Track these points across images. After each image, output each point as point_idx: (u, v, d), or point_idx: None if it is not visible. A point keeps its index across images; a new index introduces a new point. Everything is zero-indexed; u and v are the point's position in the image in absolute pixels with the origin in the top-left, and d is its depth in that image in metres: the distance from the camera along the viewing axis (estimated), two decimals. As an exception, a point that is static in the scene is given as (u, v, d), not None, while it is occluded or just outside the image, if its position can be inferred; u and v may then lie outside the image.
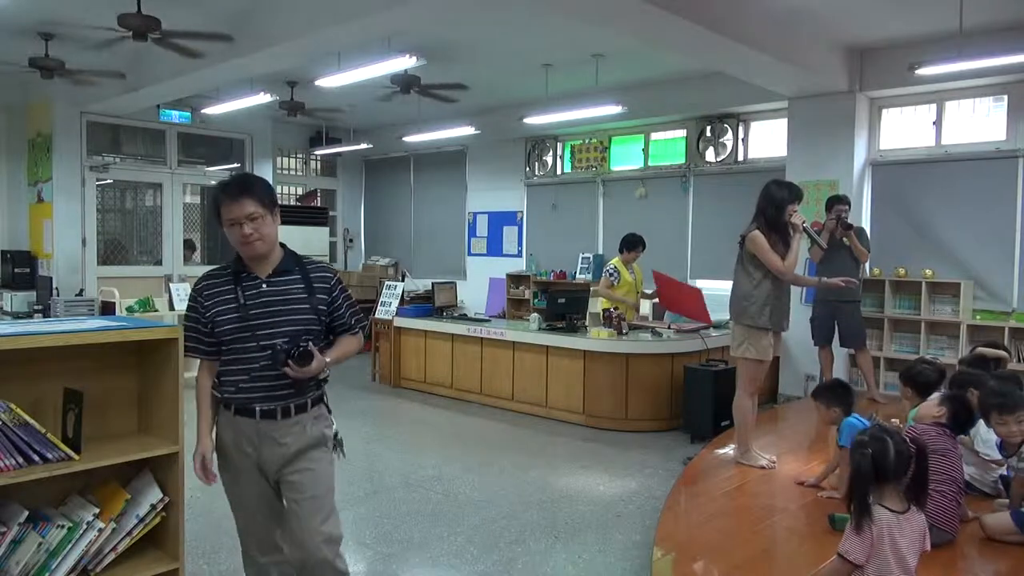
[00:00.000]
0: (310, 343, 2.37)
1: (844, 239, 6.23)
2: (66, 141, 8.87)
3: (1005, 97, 6.55)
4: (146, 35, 5.51)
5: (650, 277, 7.11)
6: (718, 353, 6.34)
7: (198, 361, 2.51)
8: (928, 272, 6.73)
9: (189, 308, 2.48)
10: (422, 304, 8.28)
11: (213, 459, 2.49)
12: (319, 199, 12.26)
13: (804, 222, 4.42)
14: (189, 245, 10.24)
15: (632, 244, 6.71)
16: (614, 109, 7.60)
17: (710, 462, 4.76)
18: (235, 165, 10.72)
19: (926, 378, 4.03)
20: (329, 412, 2.58)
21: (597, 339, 6.40)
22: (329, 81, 7.12)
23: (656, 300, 7.13)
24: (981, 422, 3.54)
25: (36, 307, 7.87)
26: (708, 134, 8.45)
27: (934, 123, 6.95)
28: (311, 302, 2.44)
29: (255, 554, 2.57)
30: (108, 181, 9.59)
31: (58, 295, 7.96)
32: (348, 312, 2.56)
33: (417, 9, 5.09)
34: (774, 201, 4.39)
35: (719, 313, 6.39)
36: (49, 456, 2.19)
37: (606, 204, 9.47)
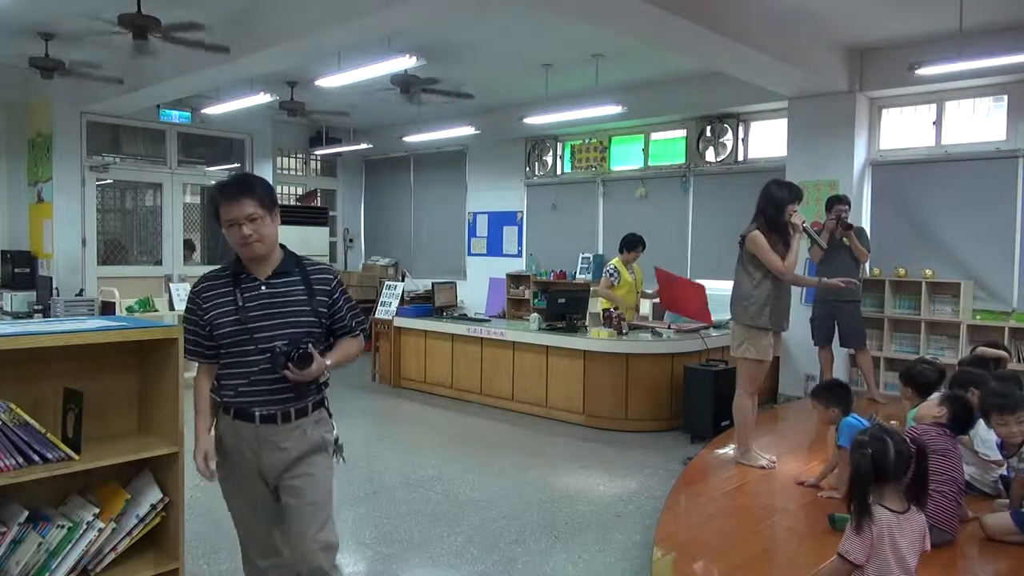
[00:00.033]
0: (310, 345, 2.33)
1: (844, 239, 6.23)
2: (66, 141, 8.87)
3: (1005, 97, 6.55)
4: (146, 35, 5.50)
5: (650, 277, 7.11)
6: (718, 353, 6.34)
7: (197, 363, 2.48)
8: (928, 272, 6.73)
9: (187, 311, 2.45)
10: (422, 304, 8.29)
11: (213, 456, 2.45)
12: (319, 199, 12.26)
13: (804, 222, 4.42)
14: (188, 245, 10.24)
15: (632, 244, 6.71)
16: (614, 109, 7.60)
17: (710, 462, 4.76)
18: (235, 165, 10.72)
19: (926, 378, 4.04)
20: (330, 416, 2.54)
21: (597, 339, 6.40)
22: (329, 81, 7.12)
23: (656, 300, 7.13)
24: (981, 422, 3.54)
25: (36, 307, 7.87)
26: (708, 134, 8.45)
27: (934, 123, 6.95)
28: (311, 304, 2.40)
29: (255, 557, 2.54)
30: (108, 181, 9.59)
31: (58, 295, 7.97)
32: (349, 314, 2.52)
33: (417, 9, 5.09)
34: (774, 201, 4.39)
35: (720, 313, 6.39)
36: (49, 456, 2.19)
37: (606, 204, 9.47)
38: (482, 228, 10.87)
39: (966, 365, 4.65)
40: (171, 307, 7.71)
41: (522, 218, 10.36)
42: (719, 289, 6.64)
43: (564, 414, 6.52)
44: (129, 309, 7.49)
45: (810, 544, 3.41)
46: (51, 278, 8.44)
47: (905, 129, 7.13)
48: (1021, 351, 6.24)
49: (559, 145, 9.99)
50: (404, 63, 6.30)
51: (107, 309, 7.59)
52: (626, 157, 9.36)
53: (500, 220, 10.62)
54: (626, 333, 6.43)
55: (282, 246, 2.48)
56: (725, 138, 8.34)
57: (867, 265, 6.73)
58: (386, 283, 8.75)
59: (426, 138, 9.87)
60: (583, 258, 9.41)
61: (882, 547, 2.33)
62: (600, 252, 9.36)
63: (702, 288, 6.52)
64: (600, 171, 9.44)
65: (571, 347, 6.47)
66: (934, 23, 5.98)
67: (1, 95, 8.81)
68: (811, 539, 3.47)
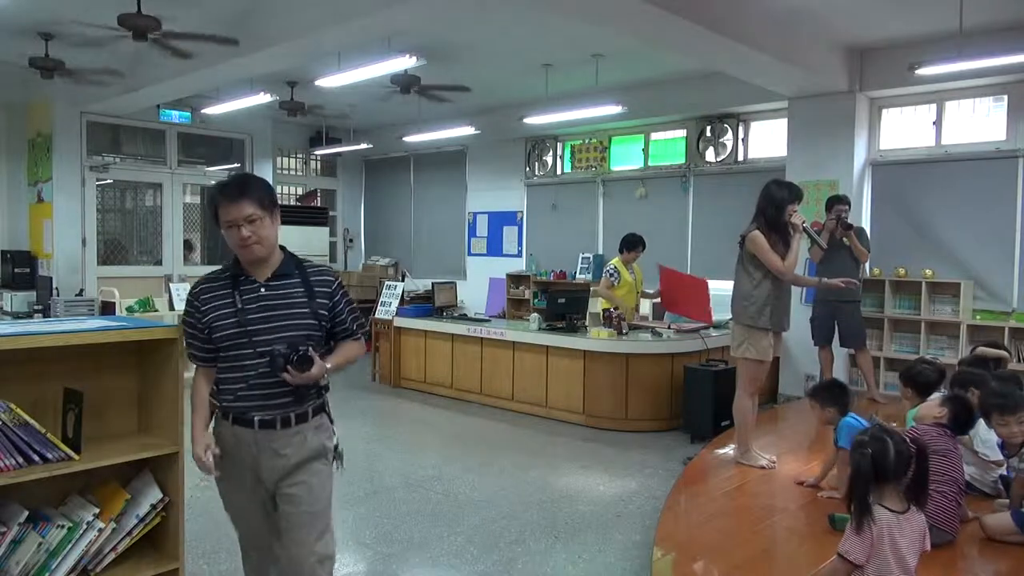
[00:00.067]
0: (310, 347, 2.28)
1: (844, 239, 6.23)
2: (66, 141, 8.87)
3: (1005, 97, 6.55)
4: (146, 35, 5.51)
5: (650, 277, 7.12)
6: (718, 353, 6.34)
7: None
8: (928, 272, 6.73)
9: (186, 313, 2.40)
10: (422, 304, 8.29)
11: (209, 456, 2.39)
12: (319, 199, 12.26)
13: (804, 222, 4.42)
14: (187, 245, 10.24)
15: (632, 244, 6.71)
16: (614, 109, 7.60)
17: (710, 462, 4.76)
18: (235, 165, 10.72)
19: (926, 378, 4.04)
20: (331, 422, 2.49)
21: (597, 339, 6.40)
22: (329, 81, 7.12)
23: (657, 300, 7.12)
24: (981, 422, 3.54)
25: (36, 307, 7.88)
26: (708, 134, 8.45)
27: (934, 123, 6.95)
28: (311, 307, 2.35)
29: (253, 555, 2.53)
30: (108, 181, 9.59)
31: (58, 295, 7.97)
32: (350, 317, 2.47)
33: (417, 9, 5.09)
34: (774, 201, 4.39)
35: (720, 312, 6.39)
36: (49, 456, 2.20)
37: (606, 204, 9.47)
38: (482, 228, 10.87)
39: (966, 365, 4.65)
40: (171, 307, 7.70)
41: (522, 218, 10.36)
42: (719, 289, 6.63)
43: (564, 414, 6.52)
44: (129, 309, 7.49)
45: (810, 544, 3.41)
46: (51, 278, 8.44)
47: (905, 129, 7.13)
48: (1021, 351, 6.24)
49: (559, 145, 9.99)
50: (404, 63, 6.30)
51: (107, 309, 7.59)
52: (626, 157, 9.36)
53: (500, 220, 10.62)
54: (626, 333, 6.43)
55: (282, 248, 2.43)
56: (725, 138, 8.34)
57: (867, 265, 6.73)
58: (386, 283, 8.75)
59: (426, 138, 9.87)
60: (583, 258, 9.41)
61: (882, 547, 2.33)
62: (600, 252, 9.36)
63: (705, 284, 6.47)
64: (600, 171, 9.44)
65: (571, 347, 6.47)
66: (934, 23, 5.98)
67: (1, 95, 8.82)
68: (811, 539, 3.47)
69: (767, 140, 8.17)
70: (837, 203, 6.29)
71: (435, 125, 9.48)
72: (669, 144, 8.97)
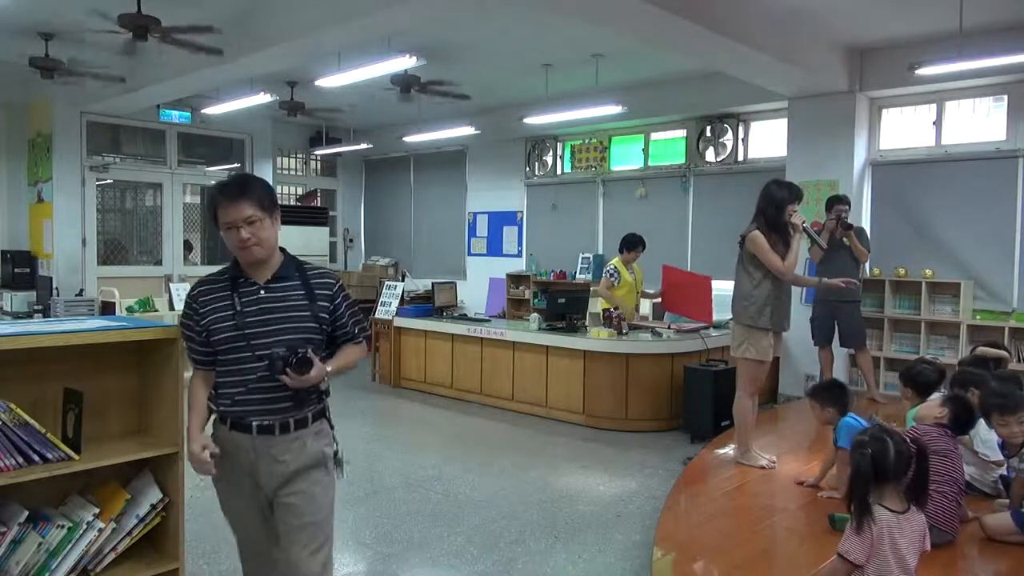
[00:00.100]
0: (309, 349, 2.22)
1: (844, 239, 6.23)
2: (66, 141, 8.87)
3: (1005, 97, 6.55)
4: (146, 35, 5.50)
5: (650, 277, 7.13)
6: (718, 353, 6.34)
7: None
8: (928, 272, 6.73)
9: (184, 315, 2.35)
10: (422, 304, 8.28)
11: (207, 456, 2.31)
12: (319, 199, 12.26)
13: (804, 222, 4.42)
14: (187, 245, 10.24)
15: (632, 244, 6.71)
16: (614, 109, 7.60)
17: (710, 462, 4.76)
18: (235, 165, 10.72)
19: (926, 378, 4.04)
20: (331, 428, 2.42)
21: (597, 339, 6.40)
22: (329, 81, 7.12)
23: (657, 300, 7.12)
24: (981, 422, 3.54)
25: (36, 307, 7.88)
26: (708, 134, 8.45)
27: (934, 123, 6.95)
28: (311, 310, 2.30)
29: (252, 561, 2.48)
30: (108, 181, 9.59)
31: (58, 295, 7.97)
32: (351, 320, 2.41)
33: (417, 9, 5.09)
34: (774, 201, 4.38)
35: (720, 312, 6.40)
36: (49, 456, 2.20)
37: (606, 204, 9.47)
38: (482, 228, 10.87)
39: (966, 365, 4.65)
40: (171, 307, 7.70)
41: (522, 218, 10.36)
42: (719, 289, 6.63)
43: (564, 414, 6.52)
44: (129, 309, 7.49)
45: (810, 544, 3.41)
46: (51, 278, 8.44)
47: (905, 129, 7.13)
48: (1021, 351, 6.24)
49: (559, 145, 9.99)
50: (404, 63, 6.30)
51: (107, 309, 7.59)
52: (626, 157, 9.36)
53: (500, 220, 10.62)
54: (626, 333, 6.43)
55: (282, 250, 2.38)
56: (725, 138, 8.34)
57: (867, 265, 6.73)
58: (386, 283, 8.75)
59: (426, 138, 9.87)
60: (583, 258, 9.41)
61: (882, 547, 2.33)
62: (600, 252, 9.36)
63: (708, 282, 6.42)
64: (600, 171, 9.44)
65: (571, 347, 6.47)
66: (934, 23, 5.98)
67: (1, 95, 8.82)
68: (811, 539, 3.47)
69: (767, 140, 8.17)
70: (837, 203, 6.29)
71: (435, 125, 9.48)
72: (669, 144, 8.97)
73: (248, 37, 6.19)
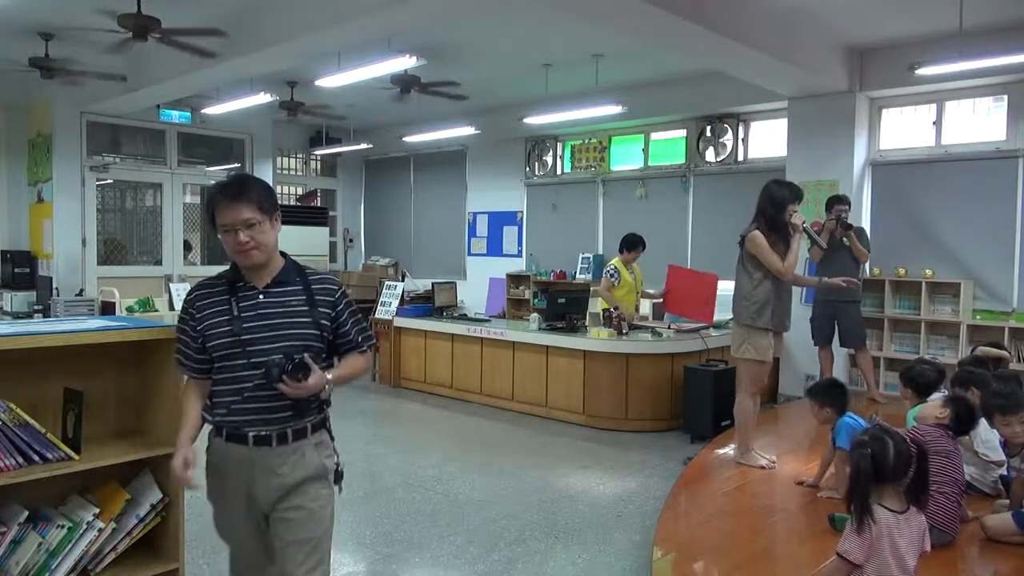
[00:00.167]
0: (305, 355, 2.11)
1: (844, 239, 6.23)
2: (66, 141, 8.87)
3: (1005, 97, 6.54)
4: (146, 35, 5.51)
5: (650, 277, 7.13)
6: (718, 353, 6.34)
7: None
8: (928, 272, 6.73)
9: (180, 320, 2.26)
10: (422, 304, 8.28)
11: (199, 465, 2.24)
12: (319, 199, 12.26)
13: (804, 222, 4.42)
14: (186, 246, 10.23)
15: (632, 244, 6.71)
16: (614, 109, 7.60)
17: (710, 462, 4.76)
18: (235, 165, 10.72)
19: (926, 378, 4.04)
20: (332, 439, 2.32)
21: (597, 339, 6.40)
22: (329, 81, 7.12)
23: (658, 300, 7.12)
24: (982, 422, 3.54)
25: (36, 307, 7.88)
26: (708, 134, 8.46)
27: (934, 123, 6.95)
28: (312, 315, 2.20)
29: (244, 573, 2.36)
30: (108, 181, 9.59)
31: (58, 295, 7.97)
32: (354, 329, 2.31)
33: (417, 9, 5.09)
34: (774, 201, 4.38)
35: (720, 312, 6.39)
36: (49, 456, 2.20)
37: (606, 204, 9.47)
38: (482, 228, 10.87)
39: (966, 365, 4.65)
40: (171, 307, 7.70)
41: (522, 218, 10.36)
42: (722, 289, 6.61)
43: (564, 414, 6.52)
44: (129, 309, 7.49)
45: (810, 544, 3.41)
46: (51, 278, 8.44)
47: (905, 129, 7.13)
48: (1021, 351, 6.24)
49: (559, 145, 9.99)
50: (404, 63, 6.30)
51: (107, 309, 7.59)
52: (626, 157, 9.36)
53: (500, 220, 10.62)
54: (626, 333, 6.43)
55: (283, 253, 2.29)
56: (725, 138, 8.34)
57: (867, 265, 6.72)
58: (386, 283, 8.75)
59: (426, 138, 9.88)
60: (583, 258, 9.41)
61: (881, 547, 2.33)
62: (600, 252, 9.37)
63: (714, 280, 6.37)
64: (600, 171, 9.44)
65: (571, 347, 6.47)
66: (934, 23, 5.98)
67: (1, 95, 8.82)
68: (811, 539, 3.47)
69: (767, 140, 8.17)
70: (837, 203, 6.29)
71: (435, 125, 9.48)
72: (669, 144, 8.97)
73: (248, 37, 6.19)
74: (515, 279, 10.12)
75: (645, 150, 9.13)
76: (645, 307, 7.77)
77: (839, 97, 6.93)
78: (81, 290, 8.70)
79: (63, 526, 2.22)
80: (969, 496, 3.57)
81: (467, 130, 9.21)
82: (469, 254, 11.02)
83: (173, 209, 9.95)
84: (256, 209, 2.15)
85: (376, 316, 8.25)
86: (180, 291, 7.76)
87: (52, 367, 2.35)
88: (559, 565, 3.65)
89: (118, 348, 2.45)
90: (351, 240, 12.54)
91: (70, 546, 2.22)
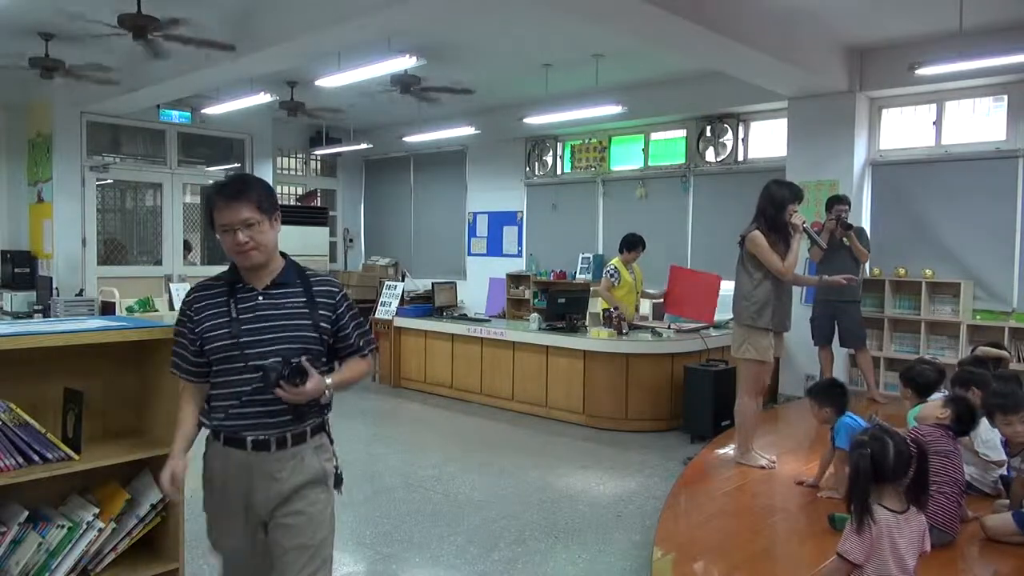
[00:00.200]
0: (303, 359, 2.08)
1: (844, 239, 6.23)
2: (66, 141, 8.87)
3: (1005, 97, 6.54)
4: (146, 35, 5.50)
5: (650, 277, 7.12)
6: (718, 353, 6.34)
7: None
8: (928, 272, 6.73)
9: (178, 322, 2.22)
10: (422, 304, 8.29)
11: (193, 477, 2.23)
12: (319, 199, 12.26)
13: (804, 222, 4.42)
14: (186, 246, 10.23)
15: (632, 244, 6.71)
16: (614, 109, 7.60)
17: (710, 462, 4.76)
18: (235, 165, 10.72)
19: (926, 378, 4.03)
20: (331, 442, 2.28)
21: (597, 339, 6.40)
22: (329, 81, 7.12)
23: (658, 300, 7.12)
24: (982, 422, 3.54)
25: (36, 307, 7.87)
26: (708, 134, 8.45)
27: (934, 123, 6.95)
28: (312, 318, 2.16)
29: None
30: (108, 181, 9.59)
31: (58, 295, 7.97)
32: (355, 332, 2.26)
33: (417, 9, 5.09)
34: (775, 201, 4.38)
35: (720, 312, 6.38)
36: (49, 456, 2.20)
37: (606, 204, 9.47)
38: (482, 228, 10.87)
39: (966, 365, 4.65)
40: (171, 307, 7.69)
41: (522, 218, 10.36)
42: (724, 289, 6.61)
43: (564, 414, 6.52)
44: (129, 309, 7.48)
45: (810, 544, 3.41)
46: (51, 278, 8.44)
47: (905, 129, 7.13)
48: (1021, 351, 6.24)
49: (559, 145, 9.99)
50: (404, 63, 6.30)
51: (107, 309, 7.59)
52: (626, 157, 9.36)
53: (500, 220, 10.62)
54: (626, 333, 6.43)
55: (283, 254, 2.25)
56: (725, 138, 8.34)
57: (867, 265, 6.72)
58: (386, 283, 8.75)
59: (426, 138, 9.87)
60: (583, 258, 9.41)
61: (881, 547, 2.33)
62: (600, 252, 9.36)
63: (717, 281, 6.33)
64: (600, 171, 9.44)
65: (571, 347, 6.47)
66: (934, 23, 5.98)
67: (1, 95, 8.81)
68: (811, 539, 3.47)
69: (767, 140, 8.17)
70: (837, 203, 6.29)
71: (435, 125, 9.48)
72: (669, 144, 8.96)
73: (248, 37, 6.18)
74: (515, 279, 10.12)
75: (645, 150, 9.13)
76: (645, 307, 7.77)
77: (839, 97, 6.93)
78: (81, 290, 8.70)
79: (63, 526, 2.22)
80: (969, 496, 3.57)
81: (467, 130, 9.21)
82: (469, 254, 11.02)
83: (173, 209, 9.95)
84: (255, 209, 2.11)
85: (376, 316, 8.26)
86: (180, 291, 7.75)
87: (52, 367, 2.34)
88: (559, 565, 3.65)
89: (118, 348, 2.45)
90: (351, 240, 12.54)
91: (70, 546, 2.22)
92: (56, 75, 6.83)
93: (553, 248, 9.92)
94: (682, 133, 8.77)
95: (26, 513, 2.19)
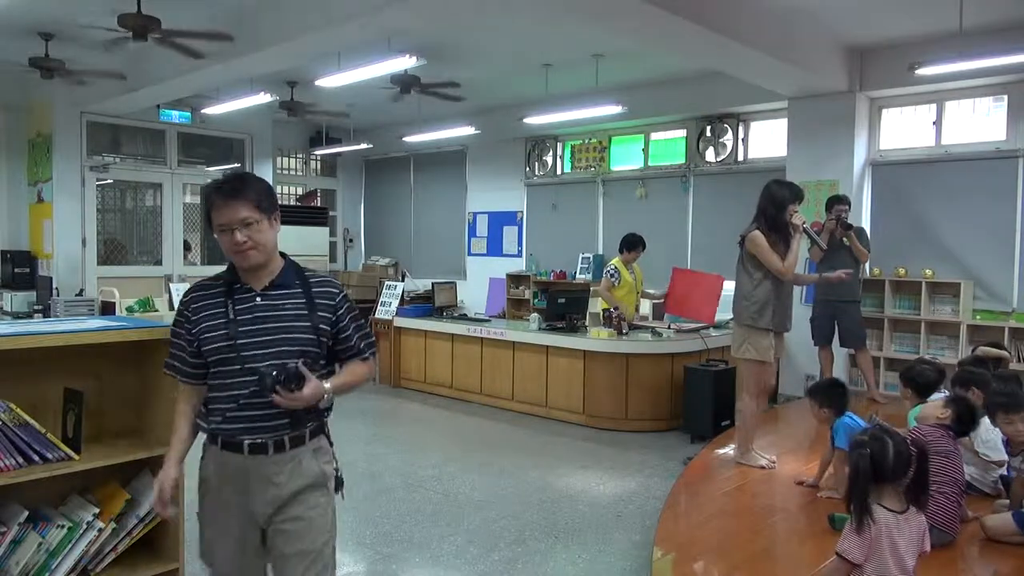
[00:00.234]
0: (299, 362, 2.02)
1: (844, 239, 6.23)
2: (66, 141, 8.87)
3: (1005, 97, 6.54)
4: (146, 35, 5.50)
5: (650, 277, 7.12)
6: (718, 353, 6.34)
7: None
8: (928, 272, 6.73)
9: (175, 323, 2.17)
10: (422, 304, 8.29)
11: (189, 489, 2.22)
12: (319, 199, 12.26)
13: (804, 223, 4.41)
14: (185, 245, 10.23)
15: (632, 244, 6.71)
16: (614, 109, 7.60)
17: (710, 462, 4.76)
18: (235, 165, 10.72)
19: (926, 378, 4.03)
20: (331, 444, 2.23)
21: (597, 339, 6.40)
22: (329, 81, 7.12)
23: (659, 301, 7.12)
24: (983, 421, 3.54)
25: (36, 307, 7.88)
26: (708, 134, 8.46)
27: (934, 123, 6.95)
28: (311, 319, 2.11)
29: None
30: (108, 181, 9.59)
31: (58, 295, 7.97)
32: (356, 335, 2.21)
33: (417, 9, 5.09)
34: (775, 201, 4.38)
35: (722, 312, 6.38)
36: (49, 456, 2.20)
37: (606, 204, 9.47)
38: (482, 228, 10.87)
39: (967, 365, 4.65)
40: (171, 307, 7.69)
41: (522, 218, 10.36)
42: (725, 290, 6.61)
43: (564, 414, 6.52)
44: (129, 309, 7.49)
45: (810, 544, 3.41)
46: (51, 278, 8.44)
47: (905, 129, 7.13)
48: (1021, 351, 6.24)
49: (559, 145, 9.99)
50: (404, 63, 6.30)
51: (107, 309, 7.59)
52: (626, 157, 9.36)
53: (500, 220, 10.62)
54: (626, 333, 6.43)
55: (283, 254, 2.20)
56: (725, 138, 8.34)
57: (867, 265, 6.73)
58: (386, 283, 8.75)
59: (426, 138, 9.87)
60: (583, 258, 9.41)
61: (881, 547, 2.33)
62: (600, 252, 9.37)
63: (720, 281, 6.33)
64: (600, 171, 9.44)
65: (571, 347, 6.47)
66: (934, 23, 5.98)
67: (1, 95, 8.81)
68: (811, 539, 3.47)
69: (767, 140, 8.17)
70: (837, 203, 6.29)
71: (435, 125, 9.48)
72: (669, 144, 8.97)
73: (248, 37, 6.19)
74: (515, 279, 10.12)
75: (645, 150, 9.13)
76: (645, 307, 7.77)
77: (839, 97, 6.93)
78: (81, 290, 8.70)
79: (63, 526, 2.22)
80: (969, 496, 3.57)
81: (467, 130, 9.21)
82: (469, 254, 11.02)
83: (173, 209, 9.95)
84: (254, 208, 2.06)
85: (376, 316, 8.26)
86: (180, 291, 7.74)
87: (52, 367, 2.35)
88: (559, 565, 3.65)
89: (118, 348, 2.45)
90: (351, 240, 12.54)
91: (70, 546, 2.22)
92: (56, 75, 6.83)
93: (553, 248, 9.92)
94: (682, 133, 8.77)
95: (26, 513, 2.19)
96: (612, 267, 6.70)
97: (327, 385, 2.10)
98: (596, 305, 7.33)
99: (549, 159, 10.07)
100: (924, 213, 6.89)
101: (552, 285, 9.41)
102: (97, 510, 2.29)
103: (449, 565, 3.64)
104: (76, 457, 2.24)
